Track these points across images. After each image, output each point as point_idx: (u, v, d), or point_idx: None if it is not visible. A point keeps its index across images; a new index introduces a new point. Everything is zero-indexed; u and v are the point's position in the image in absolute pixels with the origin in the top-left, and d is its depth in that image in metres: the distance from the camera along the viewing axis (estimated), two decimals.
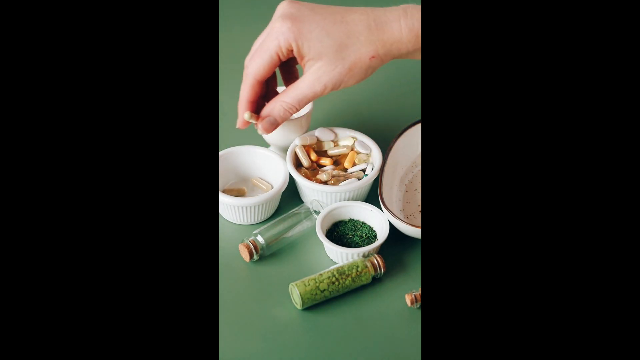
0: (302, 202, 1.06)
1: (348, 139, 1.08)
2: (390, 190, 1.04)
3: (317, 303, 0.95)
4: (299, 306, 0.94)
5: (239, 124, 0.99)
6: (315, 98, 0.95)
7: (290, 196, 1.07)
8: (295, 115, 1.12)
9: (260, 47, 0.95)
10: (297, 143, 1.05)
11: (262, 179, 1.07)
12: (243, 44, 1.32)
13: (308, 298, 0.93)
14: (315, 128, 1.11)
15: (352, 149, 1.06)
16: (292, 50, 0.93)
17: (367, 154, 1.05)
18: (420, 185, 1.07)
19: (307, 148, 1.05)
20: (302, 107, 0.96)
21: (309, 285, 0.93)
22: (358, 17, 0.93)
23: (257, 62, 0.95)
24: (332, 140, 1.07)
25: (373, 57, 0.93)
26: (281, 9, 0.94)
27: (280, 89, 1.04)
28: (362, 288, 0.96)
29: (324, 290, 0.94)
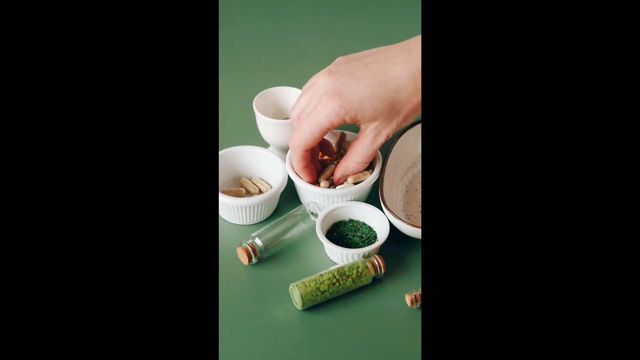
0: (301, 202, 1.05)
1: (352, 135, 1.08)
2: (390, 191, 1.04)
3: (317, 303, 0.95)
4: (299, 307, 0.94)
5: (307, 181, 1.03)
6: (379, 147, 1.00)
7: (290, 196, 1.07)
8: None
9: (310, 122, 0.97)
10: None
11: (249, 180, 1.07)
12: (243, 43, 1.32)
13: (308, 299, 0.93)
14: None
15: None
16: (342, 122, 0.97)
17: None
18: (421, 185, 1.07)
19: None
20: (370, 160, 1.01)
21: (309, 286, 0.93)
22: (400, 69, 0.96)
23: (306, 136, 0.98)
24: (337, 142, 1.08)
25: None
26: (324, 84, 0.97)
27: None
28: (362, 288, 0.96)
29: (325, 291, 0.94)
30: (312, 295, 0.93)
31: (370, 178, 1.03)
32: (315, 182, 1.03)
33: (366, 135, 0.99)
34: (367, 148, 0.99)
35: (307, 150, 0.99)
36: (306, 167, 1.01)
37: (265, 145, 1.12)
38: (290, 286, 0.95)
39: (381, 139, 0.99)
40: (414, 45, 0.97)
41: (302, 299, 0.93)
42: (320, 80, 0.97)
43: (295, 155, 1.00)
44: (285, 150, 1.09)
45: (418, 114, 0.99)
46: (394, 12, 1.38)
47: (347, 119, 0.96)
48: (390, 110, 0.96)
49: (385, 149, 1.07)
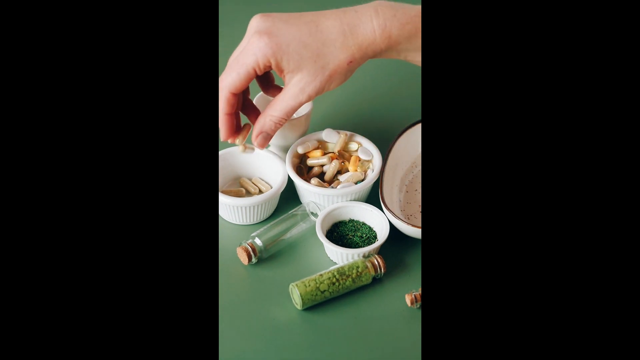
0: (301, 202, 1.05)
1: (353, 144, 1.07)
2: (390, 191, 1.04)
3: (317, 303, 0.95)
4: (299, 307, 0.94)
5: (222, 137, 1.00)
6: (300, 106, 0.96)
7: (290, 196, 1.07)
8: (295, 115, 1.12)
9: (237, 62, 0.95)
10: (299, 152, 1.05)
11: (248, 180, 1.06)
12: None
13: (308, 299, 0.93)
14: (315, 128, 1.11)
15: (354, 152, 1.07)
16: (269, 65, 0.94)
17: (369, 160, 1.05)
18: (421, 185, 1.07)
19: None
20: (289, 117, 0.97)
21: (309, 285, 0.93)
22: (332, 23, 0.93)
23: (232, 76, 0.95)
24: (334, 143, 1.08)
25: (350, 62, 0.94)
26: (255, 23, 0.95)
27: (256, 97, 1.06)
28: (362, 288, 0.96)
29: (325, 291, 0.94)
30: (312, 295, 0.93)
31: (370, 178, 1.03)
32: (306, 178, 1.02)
33: (288, 89, 0.95)
34: (287, 102, 0.95)
35: (233, 94, 0.96)
36: (229, 115, 0.98)
37: None
38: (290, 286, 0.95)
39: (303, 97, 0.95)
40: (351, 8, 0.95)
41: (302, 299, 0.93)
42: (252, 21, 0.95)
43: (221, 98, 0.96)
44: (285, 150, 1.09)
45: (345, 78, 0.96)
46: None
47: (272, 62, 0.93)
48: (315, 62, 0.93)
49: (385, 149, 1.07)
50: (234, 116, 0.99)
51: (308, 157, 1.06)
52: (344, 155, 1.07)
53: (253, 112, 1.02)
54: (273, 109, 0.97)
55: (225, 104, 0.96)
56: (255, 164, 1.07)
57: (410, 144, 1.09)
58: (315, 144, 1.06)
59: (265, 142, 0.99)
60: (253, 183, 1.06)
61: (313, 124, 1.12)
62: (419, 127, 1.09)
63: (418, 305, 0.94)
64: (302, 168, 1.05)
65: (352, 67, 0.95)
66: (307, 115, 1.08)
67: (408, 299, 0.94)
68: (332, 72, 0.94)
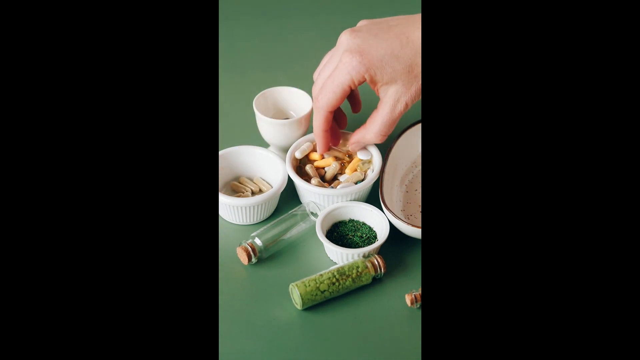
0: (301, 202, 1.05)
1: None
2: (390, 191, 1.04)
3: (317, 303, 0.95)
4: (299, 306, 0.94)
5: (320, 152, 1.04)
6: (400, 117, 0.99)
7: (290, 196, 1.07)
8: (295, 115, 1.12)
9: (332, 81, 0.97)
10: (297, 156, 1.05)
11: (238, 183, 1.06)
12: (243, 43, 1.32)
13: (308, 299, 0.93)
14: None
15: (351, 155, 1.06)
16: (363, 81, 0.96)
17: (369, 161, 1.05)
18: (421, 185, 1.07)
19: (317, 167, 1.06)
20: (391, 130, 1.00)
21: (309, 285, 0.93)
22: (421, 33, 0.95)
23: (329, 95, 0.98)
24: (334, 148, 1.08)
25: None
26: (345, 41, 0.97)
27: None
28: (362, 288, 0.96)
29: (325, 290, 0.94)
30: (312, 295, 0.93)
31: (370, 178, 1.03)
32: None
33: (385, 103, 0.98)
34: (387, 117, 0.98)
35: (330, 112, 0.99)
36: (327, 131, 1.01)
37: (265, 145, 1.12)
38: (290, 286, 0.95)
39: (401, 107, 0.98)
40: None
41: (302, 299, 0.93)
42: (342, 39, 0.98)
43: (319, 117, 1.00)
44: (285, 150, 1.09)
45: None
46: (395, 12, 1.38)
47: (367, 77, 0.96)
48: (409, 72, 0.95)
49: (385, 149, 1.07)
50: (329, 133, 1.02)
51: (309, 159, 1.06)
52: (343, 157, 1.06)
53: (339, 117, 1.06)
54: (374, 124, 1.00)
55: (323, 122, 1.00)
56: (255, 164, 1.07)
57: (410, 144, 1.09)
58: (310, 145, 1.06)
59: (358, 149, 1.04)
60: (246, 184, 1.06)
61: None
62: (419, 127, 1.09)
63: (418, 305, 0.94)
64: (302, 168, 1.05)
65: None
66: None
67: (408, 299, 0.94)
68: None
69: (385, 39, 0.96)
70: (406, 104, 0.97)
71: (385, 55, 0.95)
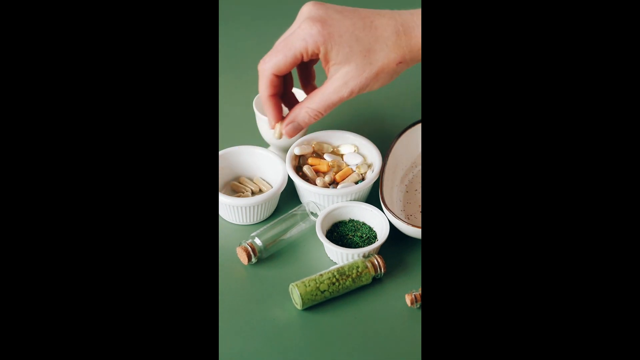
0: (301, 202, 1.05)
1: (349, 146, 1.07)
2: (390, 191, 1.04)
3: (317, 303, 0.95)
4: (299, 307, 0.94)
5: (270, 123, 0.97)
6: (340, 103, 0.94)
7: (290, 196, 1.07)
8: None
9: (284, 44, 0.92)
10: (295, 153, 1.05)
11: (238, 183, 1.06)
12: (243, 43, 1.32)
13: (308, 299, 0.93)
14: (315, 128, 1.11)
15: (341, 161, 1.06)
16: (317, 53, 0.92)
17: (358, 165, 1.05)
18: (421, 185, 1.07)
19: (314, 165, 1.05)
20: (327, 112, 0.95)
21: (309, 285, 0.93)
22: (386, 21, 0.92)
23: (278, 57, 0.93)
24: (331, 145, 1.07)
25: (400, 62, 0.92)
26: (308, 10, 0.93)
27: (296, 91, 1.03)
28: (362, 288, 0.96)
29: (325, 290, 0.94)
30: (312, 295, 0.93)
31: (370, 178, 1.03)
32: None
33: (331, 82, 0.92)
34: (327, 96, 0.93)
35: (276, 76, 0.94)
36: (272, 96, 0.95)
37: (265, 145, 1.12)
38: (290, 286, 0.95)
39: (346, 91, 0.92)
40: (407, 10, 0.93)
41: (302, 299, 0.93)
42: (304, 9, 0.93)
43: (263, 79, 0.94)
44: (285, 150, 1.09)
45: (390, 79, 0.94)
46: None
47: (322, 50, 0.91)
48: (365, 57, 0.91)
49: (385, 149, 1.07)
50: (278, 99, 0.96)
51: (308, 162, 1.06)
52: (338, 163, 1.06)
53: (294, 104, 1.00)
54: (311, 101, 0.94)
55: (267, 85, 0.94)
56: (255, 164, 1.07)
57: (410, 144, 1.09)
58: (310, 148, 1.06)
59: (294, 133, 0.97)
60: (246, 184, 1.06)
61: (313, 125, 1.12)
62: (419, 127, 1.09)
63: (418, 305, 0.94)
64: (301, 168, 1.05)
65: (400, 68, 0.93)
66: None
67: (408, 299, 0.94)
68: (379, 69, 0.92)
69: (350, 18, 0.91)
70: (351, 91, 0.92)
71: (346, 32, 0.91)
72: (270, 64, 0.93)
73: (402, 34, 0.92)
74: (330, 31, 0.91)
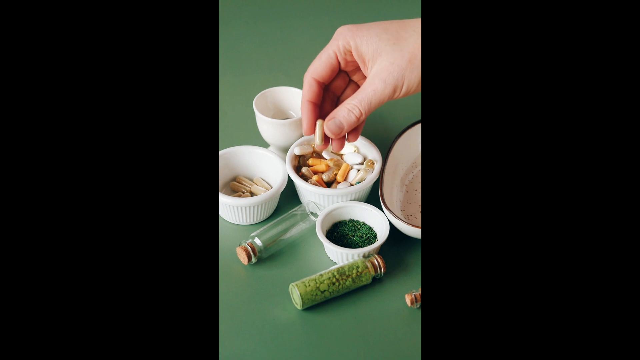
0: (301, 202, 1.05)
1: (349, 146, 1.07)
2: (390, 191, 1.04)
3: (317, 303, 0.95)
4: (299, 306, 0.94)
5: (304, 130, 0.98)
6: (382, 99, 0.93)
7: (290, 196, 1.07)
8: (294, 115, 1.12)
9: (321, 52, 0.96)
10: (295, 153, 1.05)
11: (238, 183, 1.07)
12: (243, 44, 1.32)
13: (308, 299, 0.93)
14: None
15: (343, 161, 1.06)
16: (349, 50, 0.94)
17: (360, 164, 1.05)
18: (421, 185, 1.07)
19: (312, 167, 1.05)
20: (370, 110, 0.93)
21: (309, 285, 0.93)
22: (415, 24, 0.93)
23: (315, 62, 0.96)
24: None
25: None
26: (341, 27, 0.95)
27: None
28: (362, 288, 0.96)
29: (325, 290, 0.94)
30: (312, 295, 0.93)
31: (370, 178, 1.03)
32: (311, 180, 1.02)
33: (368, 79, 0.93)
34: (365, 93, 0.93)
35: (316, 81, 0.96)
36: (311, 102, 0.97)
37: (265, 145, 1.12)
38: (290, 286, 0.95)
39: (381, 85, 0.92)
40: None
41: (302, 299, 0.93)
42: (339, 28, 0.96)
43: (304, 84, 0.97)
44: (285, 150, 1.09)
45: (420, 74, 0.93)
46: (395, 12, 1.38)
47: (352, 45, 0.93)
48: (394, 44, 0.92)
49: (385, 149, 1.07)
50: (315, 107, 0.97)
51: (308, 163, 1.06)
52: (338, 163, 1.06)
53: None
54: (352, 98, 0.94)
55: (307, 90, 0.96)
56: (255, 164, 1.07)
57: (410, 144, 1.09)
58: (310, 148, 1.06)
59: (335, 130, 0.95)
60: (246, 184, 1.06)
61: None
62: (419, 127, 1.09)
63: (418, 305, 0.94)
64: (300, 168, 1.05)
65: None
66: None
67: (408, 299, 0.94)
68: (411, 55, 0.91)
69: (379, 24, 0.94)
70: (386, 84, 0.91)
71: (374, 26, 0.93)
72: (310, 68, 0.96)
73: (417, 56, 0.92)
74: (359, 28, 0.93)
